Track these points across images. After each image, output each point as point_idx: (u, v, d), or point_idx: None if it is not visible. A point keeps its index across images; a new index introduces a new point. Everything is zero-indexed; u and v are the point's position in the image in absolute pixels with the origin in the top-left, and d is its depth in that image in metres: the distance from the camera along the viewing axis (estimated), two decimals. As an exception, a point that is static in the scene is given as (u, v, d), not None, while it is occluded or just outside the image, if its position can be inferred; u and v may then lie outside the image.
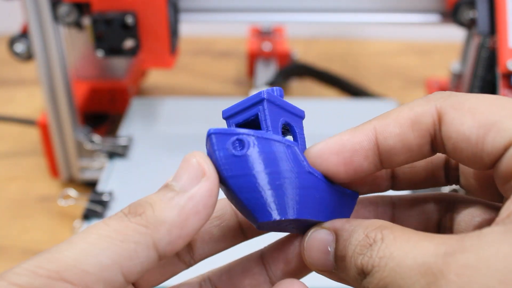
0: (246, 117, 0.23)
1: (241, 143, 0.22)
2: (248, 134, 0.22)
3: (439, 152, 0.23)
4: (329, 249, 0.23)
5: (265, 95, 0.22)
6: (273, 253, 0.26)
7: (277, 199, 0.22)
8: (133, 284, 0.25)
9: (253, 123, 0.23)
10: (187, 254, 0.26)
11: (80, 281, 0.19)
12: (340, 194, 0.24)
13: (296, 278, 0.24)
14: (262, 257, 0.26)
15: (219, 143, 0.22)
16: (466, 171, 0.25)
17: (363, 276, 0.21)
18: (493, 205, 0.24)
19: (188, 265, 0.26)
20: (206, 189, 0.21)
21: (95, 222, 0.21)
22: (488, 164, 0.21)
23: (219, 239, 0.26)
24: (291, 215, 0.22)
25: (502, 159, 0.21)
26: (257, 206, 0.22)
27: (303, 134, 0.25)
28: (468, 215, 0.25)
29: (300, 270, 0.25)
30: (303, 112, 0.25)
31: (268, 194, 0.22)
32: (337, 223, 0.23)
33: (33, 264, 0.19)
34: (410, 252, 0.19)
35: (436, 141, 0.22)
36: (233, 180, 0.22)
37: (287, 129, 0.24)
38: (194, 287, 0.26)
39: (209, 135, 0.22)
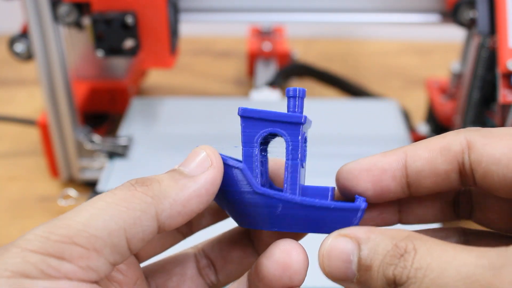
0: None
1: None
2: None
3: (467, 182, 0.24)
4: (351, 258, 0.22)
5: (240, 112, 0.25)
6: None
7: (236, 212, 0.25)
8: (135, 255, 0.26)
9: None
10: (185, 226, 0.27)
11: (89, 245, 0.20)
12: (328, 209, 0.24)
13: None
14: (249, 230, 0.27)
15: None
16: (483, 205, 0.25)
17: (393, 287, 0.21)
18: (504, 236, 0.25)
19: (185, 235, 0.28)
20: (211, 176, 0.23)
21: (102, 193, 0.22)
22: None
23: (216, 212, 0.28)
24: (252, 226, 0.25)
25: None
26: (233, 217, 0.26)
27: (298, 141, 0.25)
28: (482, 245, 0.24)
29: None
30: (300, 118, 0.25)
31: (229, 207, 0.25)
32: (359, 231, 0.22)
33: (44, 230, 0.20)
34: (451, 263, 0.19)
35: (464, 170, 0.23)
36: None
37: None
38: (190, 257, 0.28)
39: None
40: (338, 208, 0.24)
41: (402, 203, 0.26)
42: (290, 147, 0.25)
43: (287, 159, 0.25)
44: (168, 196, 0.22)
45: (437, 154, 0.23)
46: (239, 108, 0.25)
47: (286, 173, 0.25)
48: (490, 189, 0.23)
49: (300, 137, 0.25)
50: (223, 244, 0.28)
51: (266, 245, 0.26)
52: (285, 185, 0.24)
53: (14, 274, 0.19)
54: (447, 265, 0.19)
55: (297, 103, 0.25)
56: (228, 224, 0.28)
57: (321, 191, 0.26)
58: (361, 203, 0.24)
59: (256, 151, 0.25)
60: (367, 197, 0.24)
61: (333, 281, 0.23)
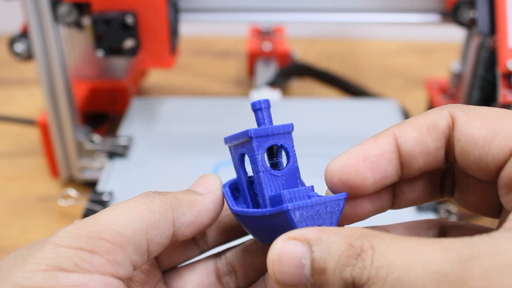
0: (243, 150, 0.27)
1: None
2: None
3: (449, 158, 0.23)
4: (304, 262, 0.21)
5: (226, 141, 0.27)
6: None
7: (249, 231, 0.27)
8: (157, 263, 0.28)
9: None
10: (201, 239, 0.29)
11: (116, 240, 0.22)
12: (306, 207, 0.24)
13: None
14: None
15: None
16: (463, 185, 0.25)
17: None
18: (482, 230, 0.24)
19: (202, 250, 0.29)
20: (217, 196, 0.27)
21: (123, 201, 0.25)
22: (493, 170, 0.21)
23: (230, 229, 0.29)
24: (266, 241, 0.25)
25: (506, 166, 0.21)
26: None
27: (293, 147, 0.26)
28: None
29: None
30: (289, 127, 0.26)
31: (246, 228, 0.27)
32: (308, 232, 0.21)
33: (74, 227, 0.22)
34: (417, 259, 0.18)
35: (449, 147, 0.23)
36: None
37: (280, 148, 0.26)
38: (210, 265, 0.29)
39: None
40: (323, 202, 0.23)
41: (395, 187, 0.26)
42: (291, 156, 0.26)
43: (258, 172, 0.25)
44: (182, 205, 0.25)
45: (426, 133, 0.23)
46: (249, 131, 0.25)
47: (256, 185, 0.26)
48: (466, 168, 0.23)
49: (292, 143, 0.26)
50: (248, 252, 0.28)
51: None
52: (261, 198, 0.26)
53: (49, 267, 0.21)
54: (412, 261, 0.18)
55: (265, 114, 0.26)
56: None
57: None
58: (340, 194, 0.23)
59: (242, 172, 0.27)
60: (367, 187, 0.23)
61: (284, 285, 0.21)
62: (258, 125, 0.25)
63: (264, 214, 0.23)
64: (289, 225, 0.23)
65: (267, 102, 0.26)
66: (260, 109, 0.25)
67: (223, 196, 0.27)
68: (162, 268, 0.28)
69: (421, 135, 0.23)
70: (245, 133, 0.25)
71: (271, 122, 0.26)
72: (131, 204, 0.24)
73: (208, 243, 0.29)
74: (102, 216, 0.23)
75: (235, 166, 0.27)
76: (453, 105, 0.23)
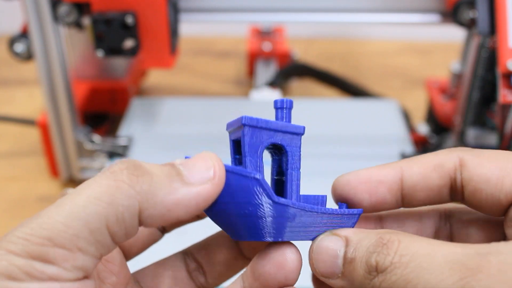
0: (237, 137, 0.25)
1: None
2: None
3: (456, 197, 0.25)
4: (338, 253, 0.23)
5: (244, 121, 0.23)
6: None
7: (231, 224, 0.24)
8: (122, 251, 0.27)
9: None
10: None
11: (72, 245, 0.20)
12: (330, 215, 0.25)
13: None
14: None
15: None
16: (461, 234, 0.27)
17: (374, 275, 0.21)
18: (491, 222, 0.26)
19: (163, 232, 0.28)
20: (207, 192, 0.22)
21: (89, 180, 0.21)
22: (505, 205, 0.23)
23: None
24: (249, 238, 0.24)
25: None
26: (227, 230, 0.25)
27: (299, 152, 0.25)
28: (466, 231, 0.26)
29: None
30: (301, 128, 0.25)
31: (222, 219, 0.24)
32: (348, 231, 0.24)
33: (25, 231, 0.20)
34: (438, 252, 0.20)
35: (455, 186, 0.24)
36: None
37: (279, 148, 0.25)
38: (180, 261, 0.28)
39: None
40: (343, 214, 0.25)
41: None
42: (291, 157, 0.25)
43: (289, 169, 0.25)
44: (155, 194, 0.21)
45: (431, 170, 0.25)
46: (242, 117, 0.23)
47: (290, 182, 0.25)
48: (477, 205, 0.24)
49: (300, 147, 0.25)
50: (210, 247, 0.28)
51: (252, 247, 0.27)
52: (290, 194, 0.25)
53: None
54: (434, 253, 0.20)
55: (285, 114, 0.25)
56: (215, 227, 0.28)
57: (316, 199, 0.26)
58: (359, 209, 0.25)
59: (259, 162, 0.24)
60: (363, 207, 0.25)
61: (320, 277, 0.24)
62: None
63: (333, 213, 0.24)
64: (321, 224, 0.24)
65: (290, 102, 0.25)
66: (281, 108, 0.25)
67: (217, 191, 0.22)
68: (128, 258, 0.27)
69: (426, 172, 0.25)
70: (297, 128, 0.25)
71: (290, 123, 0.25)
72: (91, 194, 0.20)
73: (169, 228, 0.28)
74: (56, 215, 0.20)
75: (251, 152, 0.24)
76: (462, 149, 0.25)
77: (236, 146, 0.25)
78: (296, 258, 0.24)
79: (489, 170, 0.23)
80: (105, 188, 0.21)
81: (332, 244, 0.23)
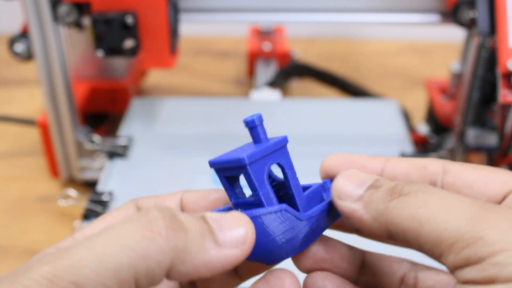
0: (234, 174, 0.25)
1: None
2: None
3: None
4: (366, 180, 0.24)
5: (246, 161, 0.23)
6: None
7: (279, 251, 0.24)
8: None
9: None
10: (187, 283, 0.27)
11: None
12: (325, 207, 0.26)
13: None
14: None
15: None
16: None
17: (395, 197, 0.22)
18: None
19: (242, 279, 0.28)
20: (237, 257, 0.22)
21: (120, 224, 0.21)
22: None
23: (217, 278, 0.27)
24: (281, 259, 0.25)
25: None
26: (259, 261, 0.25)
27: (290, 160, 0.26)
28: (432, 277, 0.26)
29: None
30: (285, 139, 0.26)
31: (270, 252, 0.24)
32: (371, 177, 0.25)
33: (51, 271, 0.19)
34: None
35: None
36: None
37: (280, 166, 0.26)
38: None
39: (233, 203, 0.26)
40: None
41: None
42: (288, 169, 0.25)
43: (290, 180, 0.25)
44: (187, 252, 0.21)
45: (414, 168, 0.25)
46: (241, 158, 0.23)
47: (297, 194, 0.25)
48: None
49: (289, 155, 0.26)
50: None
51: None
52: (298, 202, 0.25)
53: None
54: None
55: (259, 131, 0.25)
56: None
57: (318, 190, 0.27)
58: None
59: (269, 189, 0.24)
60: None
61: (335, 198, 0.24)
62: (255, 141, 0.25)
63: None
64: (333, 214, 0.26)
65: (260, 118, 0.25)
66: (254, 127, 0.25)
67: (245, 255, 0.22)
68: None
69: (409, 168, 0.25)
70: (282, 141, 0.25)
71: (266, 136, 0.25)
72: (124, 243, 0.20)
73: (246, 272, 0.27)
74: (86, 257, 0.19)
75: (260, 184, 0.24)
76: (446, 160, 0.26)
77: (231, 181, 0.25)
78: (294, 283, 0.24)
79: (473, 177, 0.24)
80: (140, 239, 0.20)
81: (364, 174, 0.25)
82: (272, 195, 0.24)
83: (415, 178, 0.25)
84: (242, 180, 0.25)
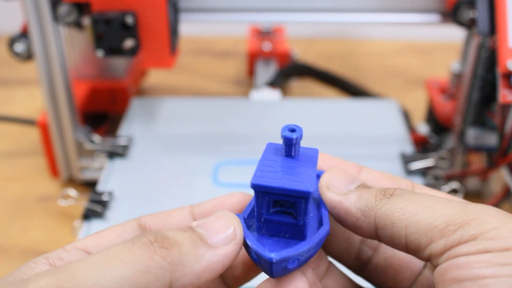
0: (286, 200, 0.24)
1: None
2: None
3: None
4: (355, 182, 0.25)
5: (311, 192, 0.23)
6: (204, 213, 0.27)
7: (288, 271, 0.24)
8: None
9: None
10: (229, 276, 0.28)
11: None
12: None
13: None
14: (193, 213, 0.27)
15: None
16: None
17: (387, 197, 0.23)
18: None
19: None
20: (232, 251, 0.23)
21: (117, 245, 0.21)
22: None
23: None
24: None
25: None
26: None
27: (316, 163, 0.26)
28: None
29: None
30: (316, 152, 0.27)
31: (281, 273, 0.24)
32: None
33: (53, 283, 0.19)
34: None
35: None
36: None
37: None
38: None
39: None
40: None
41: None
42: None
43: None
44: (185, 264, 0.22)
45: (385, 178, 0.27)
46: (309, 191, 0.23)
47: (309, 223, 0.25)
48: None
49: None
50: (166, 218, 0.28)
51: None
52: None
53: None
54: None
55: (296, 148, 0.26)
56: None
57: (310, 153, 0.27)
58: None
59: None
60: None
61: (323, 189, 0.25)
62: (287, 156, 0.25)
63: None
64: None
65: (301, 136, 0.25)
66: (292, 145, 0.25)
67: (239, 249, 0.23)
68: None
69: (381, 178, 0.27)
70: (314, 152, 0.26)
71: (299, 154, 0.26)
72: (125, 260, 0.20)
73: (237, 279, 0.27)
74: (89, 273, 0.20)
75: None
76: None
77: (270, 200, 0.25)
78: None
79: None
80: (139, 257, 0.21)
81: (352, 174, 0.26)
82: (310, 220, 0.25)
83: (385, 185, 0.26)
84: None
